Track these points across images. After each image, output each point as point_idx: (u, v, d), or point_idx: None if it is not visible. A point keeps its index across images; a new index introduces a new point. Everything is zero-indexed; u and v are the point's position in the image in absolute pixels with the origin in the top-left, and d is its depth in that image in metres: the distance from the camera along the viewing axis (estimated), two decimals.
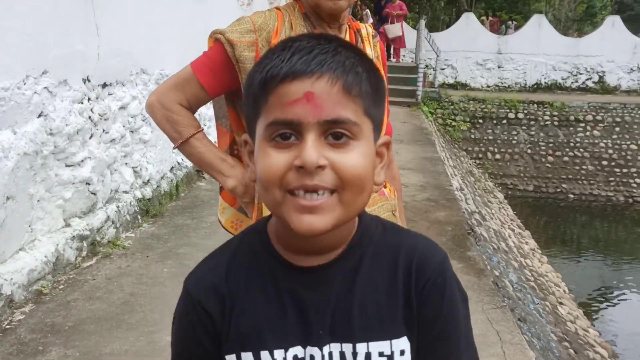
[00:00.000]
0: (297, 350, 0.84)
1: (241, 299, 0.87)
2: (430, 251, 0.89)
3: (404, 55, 18.26)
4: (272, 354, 0.84)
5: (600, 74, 17.73)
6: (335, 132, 0.76)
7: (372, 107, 0.81)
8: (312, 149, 0.74)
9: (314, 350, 0.84)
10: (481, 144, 14.68)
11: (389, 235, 0.90)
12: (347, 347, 0.84)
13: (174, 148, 1.55)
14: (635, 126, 14.35)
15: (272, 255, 0.87)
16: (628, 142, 14.26)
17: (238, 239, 0.93)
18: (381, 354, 0.84)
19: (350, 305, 0.85)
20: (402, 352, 0.84)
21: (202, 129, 1.56)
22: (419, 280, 0.85)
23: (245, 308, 0.86)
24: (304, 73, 0.76)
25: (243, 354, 0.85)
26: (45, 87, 3.44)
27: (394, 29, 14.38)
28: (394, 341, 0.84)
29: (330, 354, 0.84)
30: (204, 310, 0.87)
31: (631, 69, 17.65)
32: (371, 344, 0.84)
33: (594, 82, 17.73)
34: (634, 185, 13.95)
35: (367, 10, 17.26)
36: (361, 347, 0.84)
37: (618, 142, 14.30)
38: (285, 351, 0.84)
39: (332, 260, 0.86)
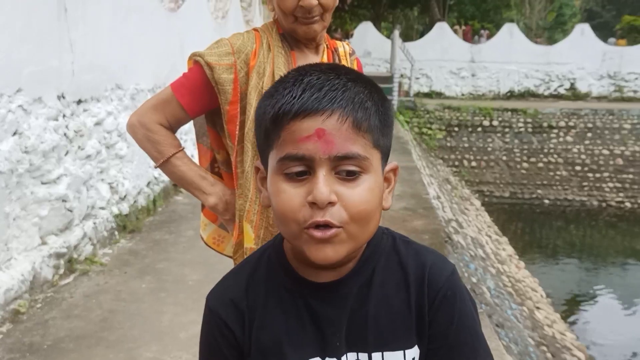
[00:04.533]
0: None
1: (260, 313, 0.91)
2: (440, 264, 0.93)
3: (379, 65, 18.45)
4: None
5: (572, 81, 18.11)
6: (346, 169, 0.80)
7: (380, 139, 0.84)
8: (324, 186, 0.78)
9: None
10: (457, 152, 14.86)
11: (399, 246, 0.94)
12: (363, 357, 0.89)
13: (155, 167, 1.57)
14: (606, 131, 14.67)
15: (288, 272, 0.92)
16: (600, 147, 14.56)
17: (256, 257, 0.98)
18: None
19: (365, 316, 0.89)
20: None
21: (183, 148, 1.58)
22: (430, 293, 0.90)
23: (265, 322, 0.91)
24: (316, 111, 0.79)
25: None
26: (19, 105, 3.42)
27: None
28: (407, 351, 0.89)
29: None
30: (225, 325, 0.91)
31: (601, 76, 18.06)
32: (386, 353, 0.89)
33: (565, 89, 18.10)
34: (607, 189, 14.23)
35: None
36: (376, 356, 0.89)
37: (590, 147, 14.59)
38: None
39: (345, 275, 0.90)
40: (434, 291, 0.90)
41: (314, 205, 0.79)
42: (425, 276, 0.90)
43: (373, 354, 0.89)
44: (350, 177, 0.80)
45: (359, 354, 0.89)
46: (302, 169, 0.80)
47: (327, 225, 0.80)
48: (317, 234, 0.80)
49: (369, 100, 0.82)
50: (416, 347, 0.90)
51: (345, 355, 0.89)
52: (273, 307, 0.91)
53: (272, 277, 0.93)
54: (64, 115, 3.95)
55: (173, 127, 1.57)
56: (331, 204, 0.79)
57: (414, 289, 0.90)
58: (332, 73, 0.83)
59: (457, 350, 0.90)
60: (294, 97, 0.80)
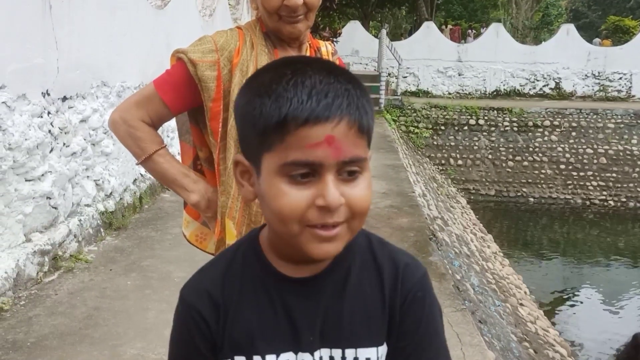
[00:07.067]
0: (289, 355, 0.90)
1: (235, 306, 0.91)
2: (413, 266, 0.95)
3: (367, 64, 18.49)
4: (263, 359, 0.90)
5: (557, 81, 18.25)
6: (350, 170, 0.81)
7: (371, 136, 0.87)
8: (335, 190, 0.79)
9: (305, 356, 0.90)
10: (444, 150, 14.93)
11: (374, 247, 0.96)
12: (337, 353, 0.90)
13: (137, 164, 1.57)
14: (590, 130, 14.82)
15: (265, 266, 0.92)
16: (584, 146, 14.70)
17: (232, 250, 0.98)
18: None
19: (340, 313, 0.90)
20: (380, 357, 0.91)
21: (165, 145, 1.58)
22: (403, 292, 0.92)
23: (239, 315, 0.91)
24: (326, 119, 0.78)
25: (237, 358, 0.90)
26: (3, 102, 3.41)
27: None
28: (380, 348, 0.91)
29: (321, 358, 0.90)
30: (200, 317, 0.91)
31: (586, 75, 18.23)
32: (359, 350, 0.90)
33: (550, 89, 18.24)
34: (591, 187, 14.37)
35: None
36: (349, 353, 0.90)
37: (575, 146, 14.74)
38: (277, 356, 0.90)
39: (321, 271, 0.91)
40: (406, 290, 0.92)
41: (323, 208, 0.80)
42: (399, 275, 0.92)
43: (346, 350, 0.90)
44: (351, 176, 0.82)
45: (332, 350, 0.90)
46: (306, 171, 0.80)
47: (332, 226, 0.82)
48: (323, 233, 0.81)
49: (366, 102, 0.84)
50: (385, 344, 0.92)
51: (318, 350, 0.90)
52: (248, 301, 0.92)
53: (248, 272, 0.93)
54: (48, 112, 3.94)
55: (155, 124, 1.57)
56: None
57: (388, 287, 0.92)
58: (327, 74, 0.82)
59: (422, 350, 0.92)
60: (301, 103, 0.78)
